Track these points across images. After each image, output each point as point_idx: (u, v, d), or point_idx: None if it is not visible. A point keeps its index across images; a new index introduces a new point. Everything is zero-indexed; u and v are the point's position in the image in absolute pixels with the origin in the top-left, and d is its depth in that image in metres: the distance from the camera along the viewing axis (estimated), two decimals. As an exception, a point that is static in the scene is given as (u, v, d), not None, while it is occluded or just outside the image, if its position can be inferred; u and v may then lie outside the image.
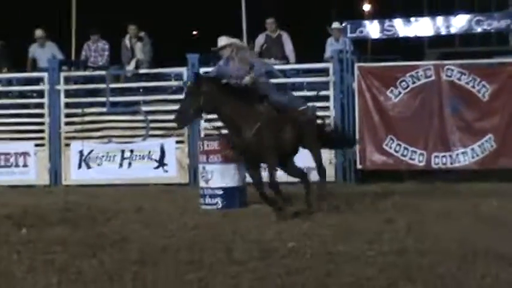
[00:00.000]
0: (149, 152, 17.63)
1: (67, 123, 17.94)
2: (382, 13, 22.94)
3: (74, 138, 17.78)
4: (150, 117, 18.15)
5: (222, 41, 12.05)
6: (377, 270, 8.81)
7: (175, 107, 14.51)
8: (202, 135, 16.58)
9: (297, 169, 12.55)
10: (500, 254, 9.47)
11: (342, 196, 14.26)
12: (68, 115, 17.95)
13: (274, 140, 11.57)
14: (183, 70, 17.15)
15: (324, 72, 16.61)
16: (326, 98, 16.33)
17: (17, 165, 17.59)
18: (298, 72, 17.18)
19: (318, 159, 12.41)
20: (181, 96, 15.31)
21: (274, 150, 11.62)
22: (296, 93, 16.59)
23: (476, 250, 9.79)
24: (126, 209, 13.86)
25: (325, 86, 16.44)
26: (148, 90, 18.57)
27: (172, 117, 14.19)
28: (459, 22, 17.28)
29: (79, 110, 18.02)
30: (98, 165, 17.56)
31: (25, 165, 17.67)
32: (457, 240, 10.57)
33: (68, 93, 17.53)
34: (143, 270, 9.17)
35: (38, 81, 18.07)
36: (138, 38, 18.53)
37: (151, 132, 17.87)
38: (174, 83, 18.72)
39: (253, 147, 11.47)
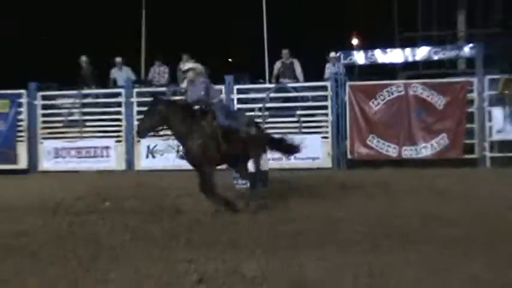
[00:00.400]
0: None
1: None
2: (366, 45, 23.11)
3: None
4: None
5: (188, 65, 11.37)
6: (363, 232, 8.99)
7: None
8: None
9: (246, 171, 11.58)
10: (444, 216, 10.02)
11: (336, 178, 14.40)
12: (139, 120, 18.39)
13: (212, 153, 10.76)
14: (222, 87, 16.70)
15: (324, 88, 16.51)
16: (325, 107, 16.27)
17: (102, 156, 17.72)
18: (305, 88, 16.91)
19: (256, 165, 11.52)
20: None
21: (211, 162, 10.86)
22: (303, 103, 17.05)
23: (428, 213, 10.32)
24: (180, 187, 13.71)
25: (324, 98, 16.37)
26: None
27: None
28: (422, 52, 17.67)
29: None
30: (161, 155, 17.40)
31: (108, 156, 17.73)
32: (417, 207, 10.96)
33: (139, 104, 17.36)
34: (192, 233, 9.38)
35: (117, 95, 17.98)
36: (188, 62, 18.96)
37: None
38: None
39: (196, 158, 10.79)
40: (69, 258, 8.59)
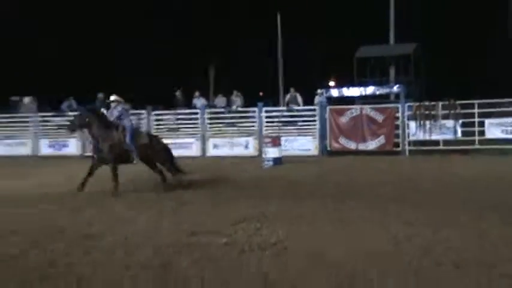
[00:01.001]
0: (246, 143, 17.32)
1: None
2: (338, 85, 23.83)
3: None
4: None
5: (113, 97, 10.14)
6: (326, 193, 8.95)
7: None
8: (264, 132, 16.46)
9: (156, 167, 10.07)
10: (380, 181, 10.21)
11: (321, 161, 15.03)
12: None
13: (117, 154, 9.49)
14: (256, 109, 17.57)
15: (314, 110, 17.10)
16: (315, 121, 16.84)
17: (187, 148, 17.00)
18: (304, 110, 17.45)
19: (166, 162, 10.17)
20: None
21: (117, 160, 9.48)
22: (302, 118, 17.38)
23: (371, 180, 10.57)
24: (235, 163, 14.11)
25: (314, 115, 16.99)
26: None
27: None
28: (370, 89, 18.71)
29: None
30: (221, 147, 17.29)
31: (190, 148, 17.27)
32: (365, 177, 11.10)
33: (210, 118, 17.73)
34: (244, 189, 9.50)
35: (196, 113, 17.97)
36: (237, 95, 18.97)
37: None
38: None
39: (106, 157, 9.49)
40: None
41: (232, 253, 5.28)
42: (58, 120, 17.97)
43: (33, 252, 5.43)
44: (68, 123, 10.91)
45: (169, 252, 5.38)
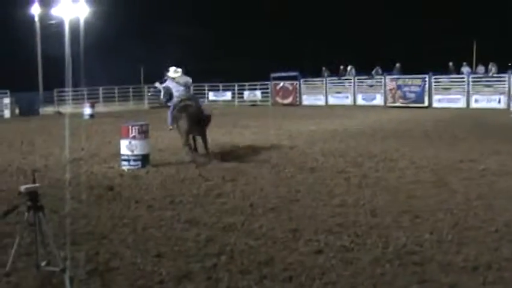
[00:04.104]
0: (499, 99, 24.07)
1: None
2: None
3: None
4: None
5: (178, 72, 10.26)
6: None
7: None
8: None
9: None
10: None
11: None
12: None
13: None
14: (506, 75, 23.39)
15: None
16: None
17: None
18: None
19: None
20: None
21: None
22: None
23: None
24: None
25: None
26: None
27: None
28: None
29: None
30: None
31: (499, 102, 23.16)
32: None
33: (473, 81, 24.52)
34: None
35: (463, 78, 26.09)
36: (492, 65, 24.62)
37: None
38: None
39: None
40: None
41: (487, 176, 7.78)
42: (369, 81, 28.78)
43: (355, 169, 8.48)
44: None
45: (445, 172, 8.09)
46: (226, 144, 12.15)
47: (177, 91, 10.29)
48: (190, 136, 10.15)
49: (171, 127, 10.27)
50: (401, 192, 6.96)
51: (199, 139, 10.31)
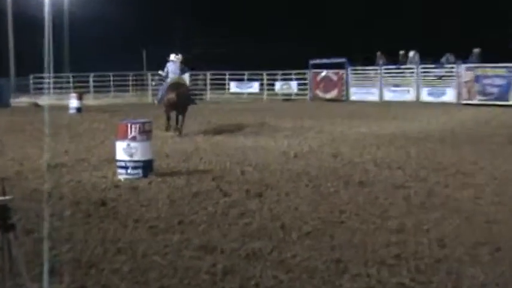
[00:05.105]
0: None
1: None
2: None
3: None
4: None
5: (179, 58, 15.44)
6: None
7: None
8: None
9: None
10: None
11: None
12: None
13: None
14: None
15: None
16: None
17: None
18: None
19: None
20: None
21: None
22: None
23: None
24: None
25: None
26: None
27: None
28: None
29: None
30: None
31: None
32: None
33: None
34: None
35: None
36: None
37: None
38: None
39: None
40: None
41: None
42: (437, 71, 28.71)
43: (417, 185, 8.75)
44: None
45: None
46: (250, 150, 12.57)
47: (174, 73, 15.18)
48: (174, 114, 14.66)
49: (156, 102, 15.52)
50: (477, 215, 7.08)
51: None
